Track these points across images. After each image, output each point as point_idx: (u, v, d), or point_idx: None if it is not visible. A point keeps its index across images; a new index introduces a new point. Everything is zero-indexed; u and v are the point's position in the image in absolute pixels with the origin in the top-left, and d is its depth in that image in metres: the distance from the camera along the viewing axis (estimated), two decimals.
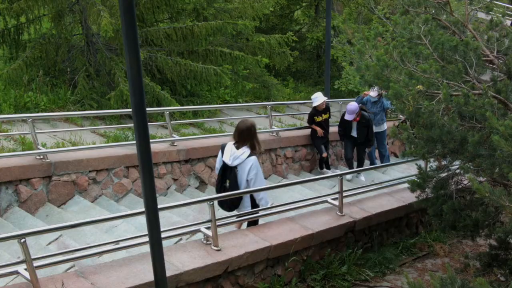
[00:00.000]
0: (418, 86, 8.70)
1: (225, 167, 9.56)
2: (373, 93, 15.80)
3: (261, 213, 9.83)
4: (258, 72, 22.79)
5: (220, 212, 10.93)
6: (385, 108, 16.33)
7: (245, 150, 9.36)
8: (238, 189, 9.41)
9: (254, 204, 9.77)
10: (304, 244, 9.67)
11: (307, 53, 29.81)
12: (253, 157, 9.38)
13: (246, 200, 9.68)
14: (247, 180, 9.42)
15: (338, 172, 12.87)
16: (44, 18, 17.54)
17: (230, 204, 9.56)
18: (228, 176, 9.50)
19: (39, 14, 16.88)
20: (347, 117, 14.98)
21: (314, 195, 11.97)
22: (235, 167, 9.42)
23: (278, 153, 15.08)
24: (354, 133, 15.38)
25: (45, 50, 16.40)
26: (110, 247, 7.78)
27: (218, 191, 9.70)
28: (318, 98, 15.33)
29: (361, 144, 15.62)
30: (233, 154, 9.41)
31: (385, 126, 16.58)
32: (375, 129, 16.04)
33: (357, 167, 15.88)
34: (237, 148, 9.41)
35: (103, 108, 15.93)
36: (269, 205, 10.00)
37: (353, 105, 14.92)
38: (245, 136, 9.47)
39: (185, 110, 17.26)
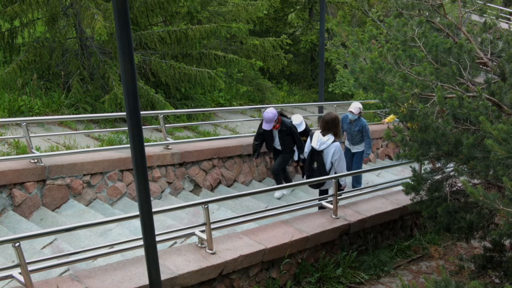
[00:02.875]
0: (415, 90, 8.72)
1: (313, 151, 11.51)
2: (354, 110, 14.23)
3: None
4: (252, 75, 22.77)
5: (215, 215, 10.96)
6: (362, 130, 14.34)
7: (330, 137, 11.23)
8: (324, 169, 11.37)
9: (338, 184, 11.04)
10: (298, 247, 9.68)
11: (301, 56, 29.80)
12: (337, 143, 11.29)
13: (330, 181, 11.34)
14: (331, 162, 11.36)
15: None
16: (38, 22, 17.51)
17: (316, 184, 11.55)
18: (315, 158, 11.47)
19: (33, 17, 16.85)
20: (265, 126, 13.01)
21: (309, 198, 11.98)
22: (322, 151, 11.33)
23: (272, 155, 15.07)
24: (277, 145, 13.55)
25: (39, 53, 16.37)
26: (104, 251, 7.78)
27: (307, 172, 11.80)
28: (302, 122, 13.98)
29: (285, 153, 13.56)
30: (320, 140, 11.30)
31: (362, 147, 14.68)
32: (353, 149, 14.80)
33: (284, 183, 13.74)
34: (323, 135, 11.28)
35: (97, 112, 15.92)
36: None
37: (270, 112, 12.93)
38: (330, 125, 11.30)
39: (179, 113, 17.25)
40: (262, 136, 13.64)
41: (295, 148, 13.67)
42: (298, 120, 13.80)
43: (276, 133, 13.39)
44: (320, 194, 11.96)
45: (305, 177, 12.22)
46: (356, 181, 14.64)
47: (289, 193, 13.75)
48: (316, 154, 11.42)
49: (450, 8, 16.23)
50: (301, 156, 13.70)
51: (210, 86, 18.38)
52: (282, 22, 29.59)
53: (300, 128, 13.69)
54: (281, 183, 13.48)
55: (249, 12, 20.94)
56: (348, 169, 13.43)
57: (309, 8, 28.93)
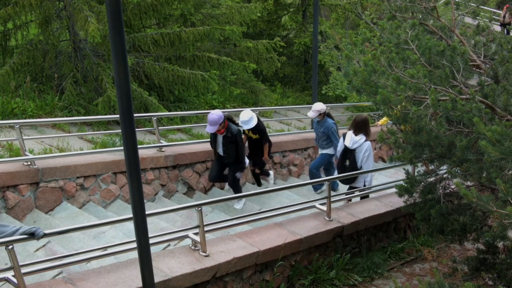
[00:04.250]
0: (409, 92, 8.74)
1: (345, 149, 12.30)
2: (311, 113, 14.00)
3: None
4: (245, 77, 22.79)
5: (208, 218, 10.96)
6: (327, 132, 13.95)
7: (362, 137, 12.04)
8: (356, 166, 12.14)
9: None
10: (292, 249, 9.68)
11: (295, 59, 29.83)
12: (368, 142, 12.12)
13: (360, 177, 12.31)
14: (361, 160, 12.13)
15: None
16: (31, 24, 17.49)
17: (349, 180, 12.33)
18: (348, 157, 12.24)
19: (27, 20, 16.84)
20: (208, 128, 12.03)
21: (302, 200, 12.00)
22: (354, 149, 12.11)
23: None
24: (220, 150, 12.54)
25: (33, 56, 16.35)
26: (98, 253, 7.77)
27: (339, 169, 12.61)
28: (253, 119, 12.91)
29: (230, 164, 12.65)
30: (352, 140, 12.10)
31: (329, 151, 14.22)
32: (320, 150, 14.47)
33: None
34: (355, 135, 12.08)
35: (90, 114, 15.89)
36: (372, 184, 12.83)
37: (215, 114, 11.94)
38: (361, 126, 12.14)
39: (173, 116, 17.24)
40: (211, 140, 12.72)
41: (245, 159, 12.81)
42: (246, 116, 12.79)
43: (220, 139, 12.38)
44: (349, 189, 12.78)
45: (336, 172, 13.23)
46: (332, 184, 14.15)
47: (244, 201, 12.82)
48: (349, 153, 12.22)
49: (443, 11, 16.31)
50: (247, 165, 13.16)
51: (203, 88, 18.37)
52: (276, 24, 29.63)
53: (249, 125, 12.78)
54: (240, 192, 12.68)
55: (242, 14, 20.93)
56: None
57: (302, 11, 28.98)
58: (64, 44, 17.81)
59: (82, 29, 15.43)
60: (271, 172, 14.49)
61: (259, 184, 14.41)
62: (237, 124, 12.54)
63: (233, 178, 12.63)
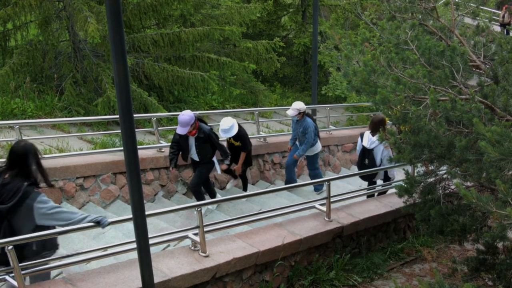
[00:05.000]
0: (408, 93, 8.74)
1: (364, 149, 12.75)
2: (290, 111, 13.70)
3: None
4: (245, 78, 22.81)
5: (208, 218, 10.95)
6: (306, 131, 13.68)
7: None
8: (375, 165, 12.66)
9: (386, 176, 13.12)
10: (292, 249, 9.67)
11: (294, 59, 29.86)
12: (385, 142, 11.60)
13: (381, 173, 12.96)
14: (381, 159, 12.67)
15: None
16: (31, 25, 17.50)
17: (369, 177, 13.11)
18: (366, 156, 12.73)
19: (26, 20, 16.85)
20: (179, 130, 11.42)
21: (302, 200, 11.99)
22: (372, 149, 12.57)
23: (265, 159, 15.08)
24: (194, 155, 11.98)
25: (32, 56, 16.35)
26: (97, 254, 7.77)
27: (359, 167, 13.23)
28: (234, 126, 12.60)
29: (201, 165, 12.09)
30: (370, 140, 12.49)
31: (312, 151, 14.13)
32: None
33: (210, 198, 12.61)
34: (373, 135, 12.37)
35: (90, 115, 15.90)
36: (396, 178, 13.22)
37: (186, 114, 11.42)
38: (378, 126, 12.23)
39: (172, 116, 17.23)
40: (178, 144, 11.98)
41: (214, 159, 12.27)
42: (226, 124, 12.44)
43: (192, 141, 11.83)
44: (369, 185, 13.37)
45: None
46: (316, 185, 14.34)
47: (215, 208, 12.32)
48: (367, 152, 12.70)
49: (443, 11, 16.28)
50: (226, 162, 12.34)
51: (203, 89, 18.38)
52: (275, 25, 29.66)
53: (230, 133, 12.48)
54: (203, 199, 12.11)
55: (242, 15, 20.95)
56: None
57: (302, 11, 28.99)
58: (64, 44, 17.82)
59: (81, 29, 15.44)
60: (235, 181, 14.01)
61: (245, 189, 13.91)
62: (205, 123, 12.01)
63: (197, 179, 12.11)
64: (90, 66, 16.51)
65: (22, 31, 17.31)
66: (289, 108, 13.73)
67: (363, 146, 12.76)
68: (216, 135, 12.04)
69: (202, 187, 12.36)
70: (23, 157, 6.95)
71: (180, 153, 12.11)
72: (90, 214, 7.25)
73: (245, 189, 13.81)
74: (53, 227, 7.05)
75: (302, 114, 13.73)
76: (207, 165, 12.14)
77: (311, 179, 14.35)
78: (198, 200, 11.96)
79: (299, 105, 13.66)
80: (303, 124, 13.74)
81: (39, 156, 7.14)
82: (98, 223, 7.12)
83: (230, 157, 12.44)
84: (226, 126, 12.39)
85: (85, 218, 7.07)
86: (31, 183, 6.90)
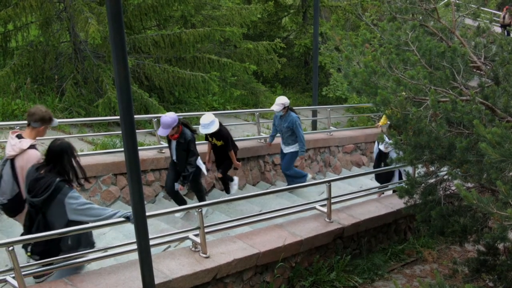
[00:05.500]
0: (402, 94, 8.73)
1: (380, 152, 13.20)
2: (275, 106, 13.58)
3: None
4: (246, 79, 22.79)
5: (209, 219, 10.94)
6: (292, 127, 13.62)
7: None
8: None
9: (401, 177, 13.19)
10: (292, 250, 9.67)
11: (295, 60, 29.83)
12: (386, 143, 12.40)
13: (396, 175, 13.22)
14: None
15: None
16: (31, 26, 17.51)
17: (384, 179, 13.44)
18: (383, 159, 13.10)
19: (27, 21, 16.86)
20: (160, 131, 11.17)
21: (303, 201, 11.99)
22: (388, 153, 12.80)
23: (266, 160, 15.07)
24: (174, 157, 11.71)
25: (33, 57, 16.35)
26: (98, 255, 7.75)
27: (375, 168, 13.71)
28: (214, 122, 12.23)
29: (180, 171, 11.65)
30: (385, 144, 12.50)
31: (295, 148, 13.88)
32: (284, 149, 14.04)
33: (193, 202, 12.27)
34: (389, 139, 11.77)
35: (91, 116, 15.89)
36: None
37: (169, 116, 11.10)
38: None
39: None
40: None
41: (199, 161, 11.81)
42: (207, 119, 12.12)
43: (174, 144, 11.51)
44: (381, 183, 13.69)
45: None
46: (291, 181, 14.06)
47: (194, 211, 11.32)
48: (384, 156, 13.07)
49: (444, 12, 16.30)
50: (189, 171, 11.47)
51: (204, 90, 18.36)
52: (276, 26, 29.65)
53: (209, 129, 12.11)
54: (184, 203, 11.80)
55: (243, 16, 20.95)
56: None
57: (302, 12, 28.98)
58: (65, 45, 17.82)
59: (82, 30, 15.43)
60: (236, 178, 13.60)
61: (228, 192, 13.51)
62: (193, 131, 11.63)
63: (192, 186, 11.99)
64: (90, 67, 16.50)
65: (23, 32, 17.32)
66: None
67: (379, 150, 13.15)
68: (195, 146, 11.54)
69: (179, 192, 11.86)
70: (58, 154, 7.27)
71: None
72: (119, 210, 7.44)
73: (227, 191, 13.51)
74: (86, 223, 7.35)
75: (286, 109, 13.63)
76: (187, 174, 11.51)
77: (288, 180, 14.29)
78: (178, 204, 11.74)
79: (283, 99, 13.55)
80: (288, 119, 13.64)
81: (75, 154, 7.50)
82: (127, 219, 7.33)
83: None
84: (206, 121, 12.07)
85: (115, 214, 7.30)
86: (64, 179, 7.22)
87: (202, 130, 12.22)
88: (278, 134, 14.27)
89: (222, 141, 12.56)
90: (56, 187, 7.04)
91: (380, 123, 17.10)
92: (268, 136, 15.09)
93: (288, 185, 13.99)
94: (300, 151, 13.84)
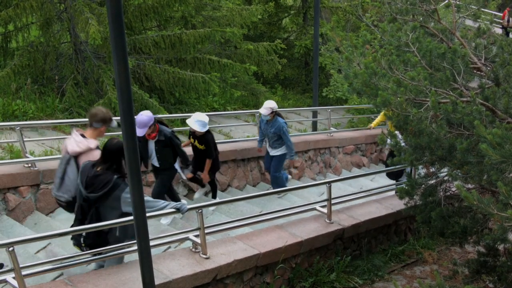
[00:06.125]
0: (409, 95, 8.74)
1: (391, 152, 13.24)
2: (264, 110, 13.15)
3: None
4: (246, 79, 22.78)
5: (209, 220, 10.94)
6: (278, 132, 13.29)
7: None
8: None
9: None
10: (293, 251, 9.68)
11: (295, 61, 29.81)
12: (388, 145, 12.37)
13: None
14: None
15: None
16: (32, 26, 17.50)
17: (395, 175, 13.93)
18: (394, 156, 12.06)
19: (27, 22, 16.84)
20: (138, 132, 10.06)
21: (303, 202, 11.98)
22: None
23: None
24: (154, 160, 11.17)
25: (33, 58, 16.34)
26: (98, 256, 7.76)
27: (387, 167, 13.68)
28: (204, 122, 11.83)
29: (163, 172, 11.34)
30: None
31: (282, 150, 13.57)
32: (271, 152, 13.73)
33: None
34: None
35: None
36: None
37: (144, 114, 10.70)
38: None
39: (174, 118, 17.21)
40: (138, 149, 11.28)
41: (176, 165, 11.49)
42: (200, 117, 11.84)
43: (152, 145, 11.02)
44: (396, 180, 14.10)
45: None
46: (277, 184, 13.77)
47: (181, 216, 11.24)
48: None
49: (444, 13, 16.27)
50: (187, 171, 11.93)
51: (204, 90, 18.35)
52: (276, 27, 29.64)
53: (196, 126, 11.68)
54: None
55: (243, 16, 20.94)
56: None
57: (303, 13, 28.97)
58: (65, 46, 17.82)
59: (83, 31, 15.43)
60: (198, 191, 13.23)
61: (214, 196, 12.98)
62: (166, 125, 11.25)
63: (159, 189, 11.32)
64: (91, 67, 16.50)
65: (23, 32, 17.30)
66: (290, 111, 13.65)
67: (390, 149, 13.19)
68: (178, 138, 11.31)
69: (166, 195, 11.56)
70: (115, 153, 7.74)
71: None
72: (170, 202, 8.14)
73: (214, 196, 12.98)
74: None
75: (274, 114, 13.32)
76: (169, 172, 11.38)
77: (272, 184, 14.00)
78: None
79: (271, 103, 13.29)
80: (275, 124, 13.33)
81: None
82: (178, 210, 8.06)
83: (190, 165, 11.95)
84: (198, 118, 11.74)
85: (167, 205, 8.01)
86: (120, 176, 7.72)
87: (189, 121, 11.78)
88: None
89: (204, 145, 12.06)
90: (114, 184, 7.59)
91: (372, 125, 17.10)
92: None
93: (271, 187, 13.99)
94: (290, 156, 13.65)
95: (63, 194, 8.40)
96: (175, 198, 11.61)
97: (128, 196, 7.22)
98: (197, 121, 11.73)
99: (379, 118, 16.47)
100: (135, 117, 10.33)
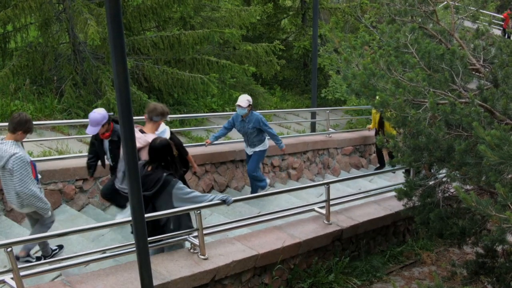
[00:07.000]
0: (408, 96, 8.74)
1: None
2: (243, 103, 12.64)
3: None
4: (245, 80, 22.76)
5: (207, 221, 10.93)
6: (258, 125, 12.79)
7: None
8: None
9: None
10: (291, 252, 9.68)
11: (294, 62, 29.80)
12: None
13: None
14: None
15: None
16: (31, 27, 17.48)
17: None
18: None
19: (26, 22, 16.83)
20: (89, 130, 9.85)
21: (301, 203, 11.97)
22: None
23: (265, 161, 15.05)
24: (110, 161, 10.44)
25: (32, 58, 16.33)
26: (97, 256, 7.76)
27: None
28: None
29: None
30: None
31: (263, 147, 13.13)
32: (250, 151, 13.24)
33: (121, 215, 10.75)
34: None
35: None
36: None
37: (98, 112, 9.83)
38: None
39: (172, 119, 17.20)
40: (95, 148, 10.54)
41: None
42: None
43: (107, 145, 10.29)
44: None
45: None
46: (255, 184, 13.32)
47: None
48: None
49: (443, 15, 16.28)
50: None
51: (203, 91, 18.35)
52: (275, 27, 29.62)
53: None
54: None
55: (242, 17, 20.94)
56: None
57: (302, 14, 28.97)
58: (64, 46, 17.80)
59: (81, 31, 15.42)
60: None
61: None
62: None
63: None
64: (90, 68, 16.49)
65: (22, 33, 17.29)
66: (289, 112, 13.57)
67: None
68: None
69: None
70: (160, 151, 8.30)
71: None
72: (216, 195, 8.80)
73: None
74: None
75: (250, 108, 12.80)
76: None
77: (251, 184, 13.50)
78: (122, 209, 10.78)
79: (247, 96, 12.86)
80: (252, 118, 12.82)
81: (173, 150, 8.50)
82: (224, 202, 8.69)
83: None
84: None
85: (213, 198, 8.60)
86: (170, 173, 8.24)
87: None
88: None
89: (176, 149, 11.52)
90: (164, 181, 8.09)
91: (371, 127, 17.15)
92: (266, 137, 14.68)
93: (251, 187, 13.61)
94: (279, 144, 13.32)
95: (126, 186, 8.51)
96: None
97: (180, 192, 8.12)
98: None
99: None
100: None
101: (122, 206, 10.71)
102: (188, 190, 8.35)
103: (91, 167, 10.69)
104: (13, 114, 8.89)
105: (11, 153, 8.11)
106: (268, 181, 12.65)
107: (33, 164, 8.55)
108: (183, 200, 8.24)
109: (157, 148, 8.27)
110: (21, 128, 8.39)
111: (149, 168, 8.25)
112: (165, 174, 8.14)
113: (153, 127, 9.68)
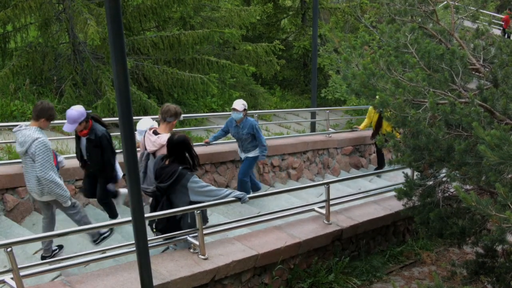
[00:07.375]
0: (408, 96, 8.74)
1: None
2: (239, 106, 12.59)
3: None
4: (245, 80, 22.78)
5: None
6: (252, 131, 12.61)
7: None
8: None
9: None
10: (291, 252, 9.67)
11: (294, 62, 29.83)
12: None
13: None
14: None
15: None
16: (31, 27, 17.50)
17: None
18: None
19: (26, 22, 16.85)
20: (65, 127, 9.60)
21: (301, 203, 11.96)
22: None
23: (264, 161, 15.05)
24: (85, 157, 10.14)
25: (32, 58, 16.35)
26: (96, 256, 7.75)
27: None
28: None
29: (98, 175, 10.28)
30: None
31: (255, 153, 12.81)
32: (244, 155, 12.99)
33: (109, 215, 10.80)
34: None
35: None
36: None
37: (75, 109, 9.65)
38: None
39: None
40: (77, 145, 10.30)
41: (117, 166, 10.44)
42: (144, 125, 10.95)
43: (84, 143, 9.99)
44: None
45: None
46: (242, 189, 12.66)
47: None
48: None
49: (443, 15, 16.28)
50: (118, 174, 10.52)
51: (202, 91, 18.37)
52: (275, 27, 29.67)
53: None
54: (115, 213, 10.68)
55: (242, 17, 20.97)
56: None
57: (302, 14, 29.01)
58: (64, 46, 17.82)
59: (81, 31, 15.44)
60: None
61: None
62: (106, 126, 10.20)
63: (102, 192, 10.38)
64: (89, 68, 16.51)
65: (22, 33, 17.32)
66: (289, 112, 13.53)
67: None
68: (110, 141, 10.11)
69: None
70: (177, 146, 8.56)
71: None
72: (234, 190, 9.12)
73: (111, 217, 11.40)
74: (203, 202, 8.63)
75: (245, 112, 12.67)
76: (104, 176, 10.27)
77: (239, 187, 12.94)
78: (109, 213, 10.69)
79: (243, 101, 12.85)
80: (247, 124, 12.67)
81: (191, 145, 8.70)
82: (239, 199, 8.93)
83: (115, 177, 10.44)
84: (142, 128, 10.87)
85: (229, 194, 8.82)
86: (186, 167, 8.50)
87: (138, 136, 10.84)
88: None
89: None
90: (179, 174, 8.36)
91: (360, 127, 17.15)
92: (266, 137, 14.67)
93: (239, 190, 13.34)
94: (261, 156, 12.93)
95: (148, 186, 9.24)
96: (111, 210, 10.77)
97: (195, 185, 8.41)
98: (142, 131, 10.64)
99: (367, 120, 16.56)
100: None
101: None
102: (204, 184, 8.59)
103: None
104: (35, 103, 9.29)
105: (34, 138, 8.37)
106: (248, 196, 11.66)
107: (54, 153, 8.94)
108: (199, 193, 8.51)
109: (174, 143, 8.55)
110: (43, 115, 8.63)
111: (167, 162, 8.58)
112: (180, 167, 8.41)
113: (167, 128, 10.00)
